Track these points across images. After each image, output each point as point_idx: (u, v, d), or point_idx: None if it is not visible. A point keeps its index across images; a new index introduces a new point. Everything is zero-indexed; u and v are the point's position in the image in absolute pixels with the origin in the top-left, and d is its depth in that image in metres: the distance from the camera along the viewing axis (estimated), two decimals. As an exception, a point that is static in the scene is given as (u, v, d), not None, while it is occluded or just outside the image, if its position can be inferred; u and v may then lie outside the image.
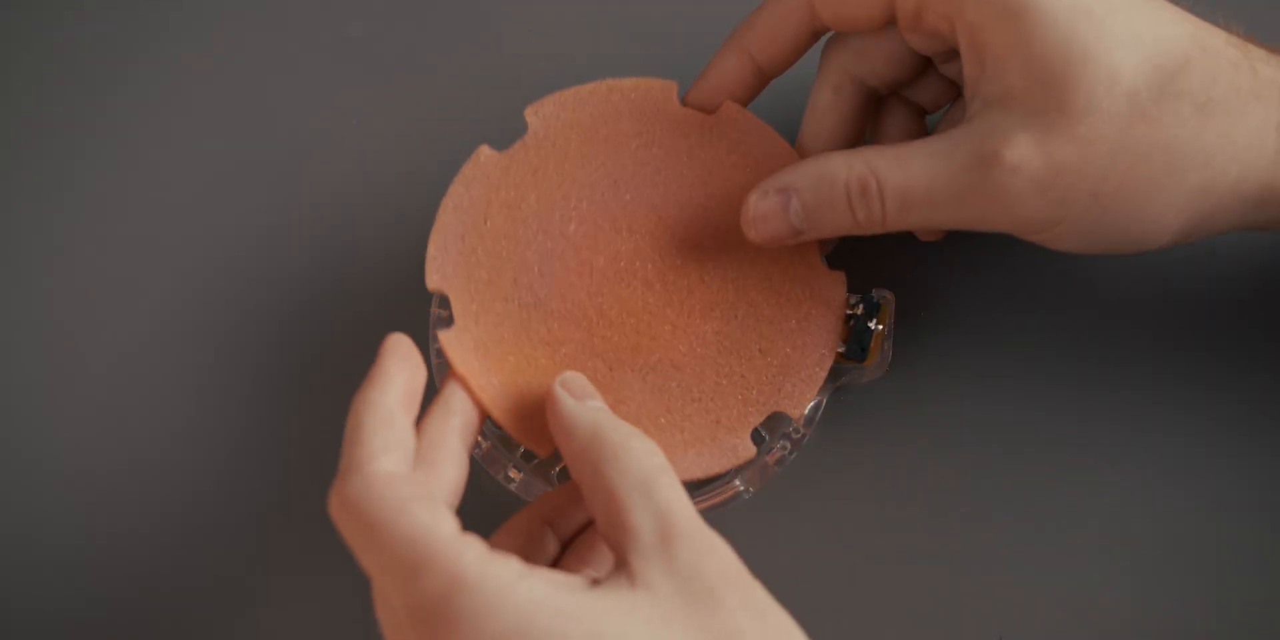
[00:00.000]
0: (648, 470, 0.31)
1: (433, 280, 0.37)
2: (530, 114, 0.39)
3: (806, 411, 0.38)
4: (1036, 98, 0.33)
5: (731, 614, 0.29)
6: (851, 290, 0.39)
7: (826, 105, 0.38)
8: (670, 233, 0.38)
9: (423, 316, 0.41)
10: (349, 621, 0.39)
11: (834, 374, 0.39)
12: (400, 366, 0.33)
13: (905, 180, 0.34)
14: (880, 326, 0.39)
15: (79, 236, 0.43)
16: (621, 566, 0.30)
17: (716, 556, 0.30)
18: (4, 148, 0.44)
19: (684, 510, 0.31)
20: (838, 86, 0.38)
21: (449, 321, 0.37)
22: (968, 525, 0.40)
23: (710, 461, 0.37)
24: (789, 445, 0.38)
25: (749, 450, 0.38)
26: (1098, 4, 0.33)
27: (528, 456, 0.39)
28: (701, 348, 0.38)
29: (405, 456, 0.32)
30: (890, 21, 0.36)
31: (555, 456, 0.37)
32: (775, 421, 0.39)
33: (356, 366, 0.42)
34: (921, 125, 0.40)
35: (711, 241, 0.39)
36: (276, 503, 0.41)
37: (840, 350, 0.39)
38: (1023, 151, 0.33)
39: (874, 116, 0.40)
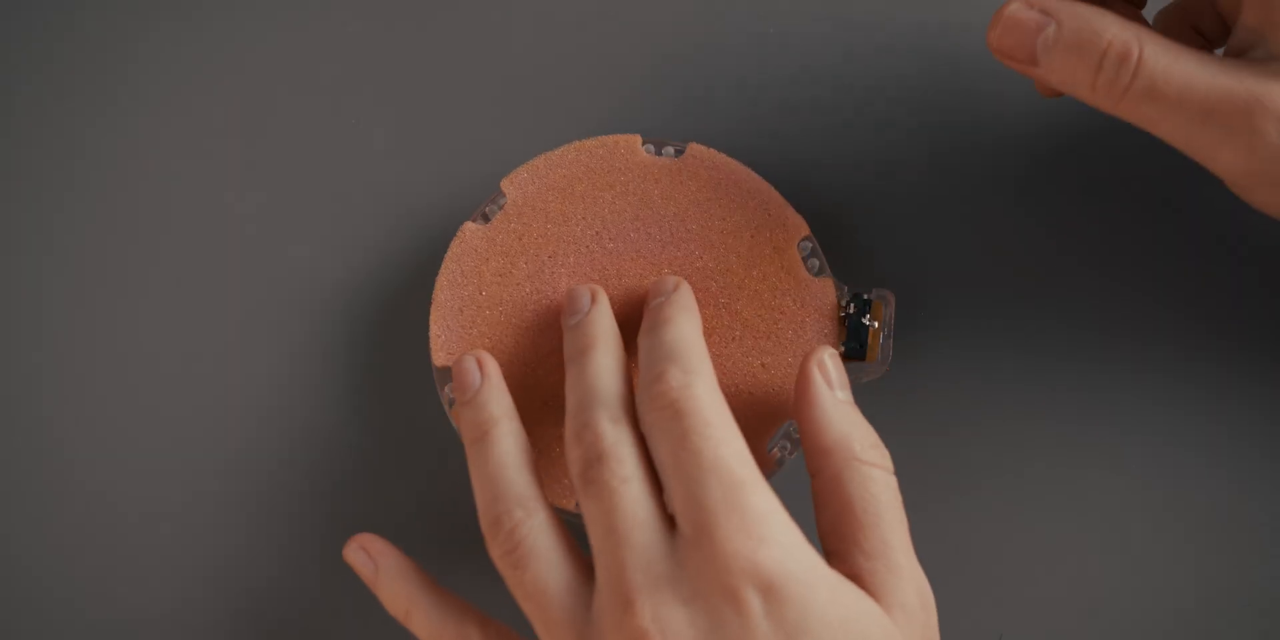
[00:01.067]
0: (885, 497, 0.34)
1: (439, 358, 0.40)
2: (506, 184, 0.41)
3: None
4: None
5: None
6: (853, 291, 0.40)
7: None
8: (658, 272, 0.40)
9: (423, 317, 0.41)
10: (349, 619, 0.40)
11: None
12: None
13: (1168, 68, 0.33)
14: (875, 323, 0.39)
15: (78, 236, 0.43)
16: (859, 571, 0.33)
17: (927, 596, 0.34)
18: (3, 148, 0.44)
19: (905, 545, 0.34)
20: None
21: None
22: (968, 525, 0.40)
23: None
24: (789, 445, 0.39)
25: (767, 463, 0.39)
26: None
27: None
28: None
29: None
30: None
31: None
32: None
33: (356, 364, 0.42)
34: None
35: (698, 273, 0.40)
36: (279, 501, 0.41)
37: (840, 350, 0.39)
38: None
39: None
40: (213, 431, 0.42)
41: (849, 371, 0.40)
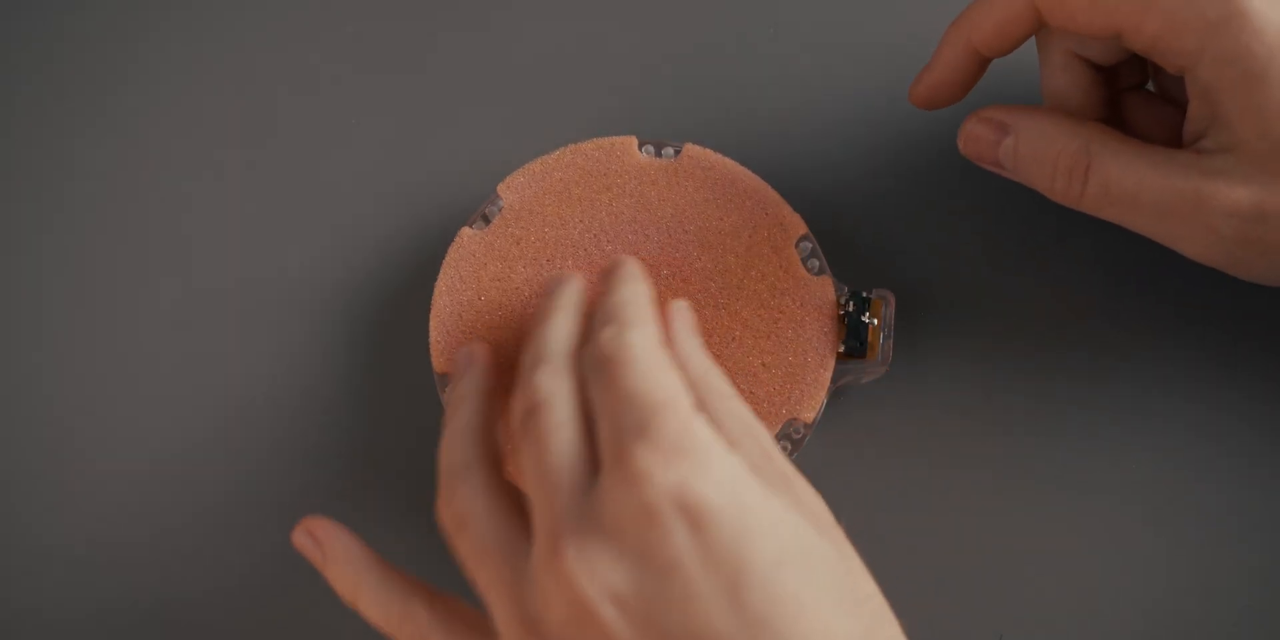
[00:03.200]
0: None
1: (439, 363, 0.40)
2: (503, 189, 0.41)
3: (818, 414, 0.39)
4: (1266, 157, 0.33)
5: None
6: (854, 291, 0.40)
7: (1059, 81, 0.37)
8: (657, 273, 0.40)
9: (423, 318, 0.41)
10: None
11: (836, 374, 0.39)
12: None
13: (1118, 177, 0.35)
14: (874, 320, 0.39)
15: (78, 237, 0.43)
16: None
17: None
18: (3, 148, 0.44)
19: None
20: (1064, 65, 0.37)
21: None
22: (968, 524, 0.40)
23: None
24: (789, 446, 0.39)
25: None
26: None
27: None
28: None
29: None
30: (1113, 38, 0.36)
31: None
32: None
33: (356, 365, 0.42)
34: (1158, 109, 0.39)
35: (697, 274, 0.40)
36: (279, 502, 0.41)
37: (840, 349, 0.39)
38: (1240, 200, 0.33)
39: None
40: (212, 432, 0.42)
41: (847, 372, 0.40)
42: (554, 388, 0.33)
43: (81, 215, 0.44)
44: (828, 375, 0.39)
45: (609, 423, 0.31)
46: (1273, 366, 0.41)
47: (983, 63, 0.38)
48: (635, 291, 0.35)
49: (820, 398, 0.39)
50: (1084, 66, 0.38)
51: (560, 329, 0.35)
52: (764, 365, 0.39)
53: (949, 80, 0.38)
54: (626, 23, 0.45)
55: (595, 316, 0.35)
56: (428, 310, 0.40)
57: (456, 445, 0.34)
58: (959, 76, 0.38)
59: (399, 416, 0.41)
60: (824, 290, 0.40)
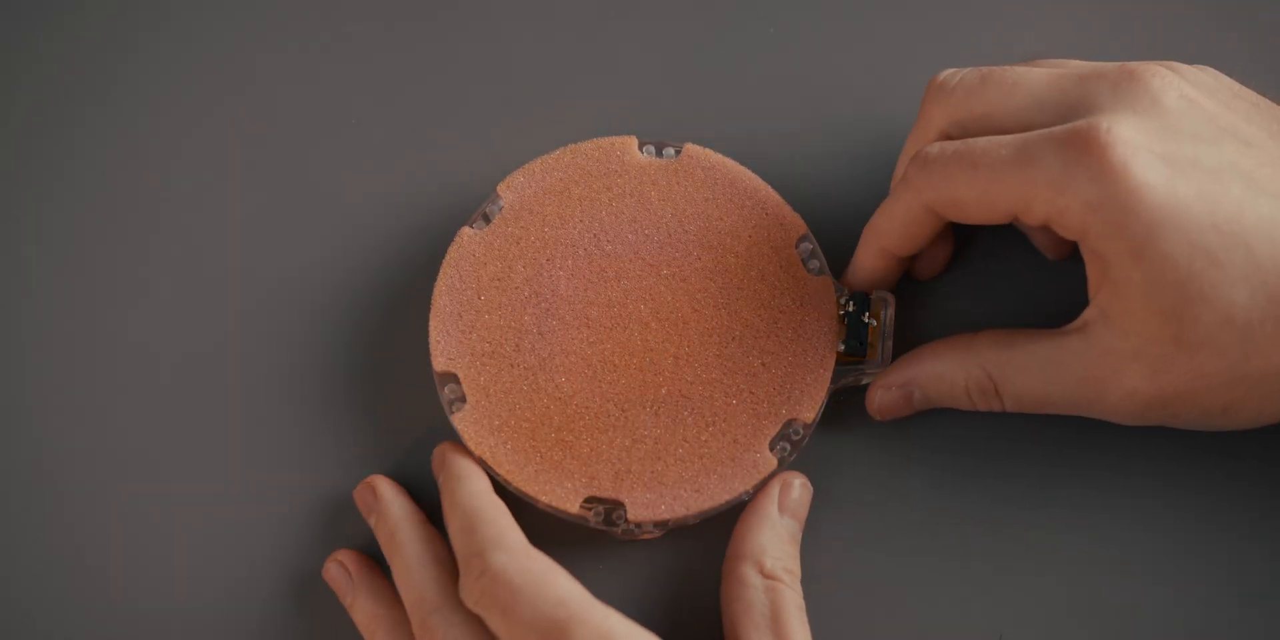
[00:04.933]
0: (786, 607, 0.37)
1: (439, 363, 0.40)
2: (503, 189, 0.41)
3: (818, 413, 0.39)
4: (1153, 329, 0.34)
5: None
6: (855, 291, 0.40)
7: (903, 229, 0.39)
8: (657, 273, 0.40)
9: (423, 318, 0.41)
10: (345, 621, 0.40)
11: (835, 375, 0.39)
12: (471, 464, 0.38)
13: (1022, 388, 0.37)
14: (874, 320, 0.39)
15: (78, 238, 0.43)
16: None
17: None
18: (3, 149, 0.44)
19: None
20: (919, 221, 0.38)
21: (459, 401, 0.39)
22: (968, 525, 0.40)
23: (734, 482, 0.38)
24: (789, 446, 0.39)
25: (770, 463, 0.39)
26: (1217, 240, 0.33)
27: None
28: (706, 373, 0.39)
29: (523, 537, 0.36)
30: (1014, 219, 0.37)
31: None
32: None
33: (356, 365, 0.42)
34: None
35: (697, 274, 0.40)
36: (279, 502, 0.41)
37: (840, 349, 0.39)
38: (1136, 382, 0.35)
39: None
40: (212, 432, 0.42)
41: (847, 373, 0.40)
42: (452, 637, 0.35)
43: (81, 215, 0.44)
44: (828, 375, 0.39)
45: None
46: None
47: (902, 262, 0.40)
48: (471, 493, 0.37)
49: (820, 398, 0.39)
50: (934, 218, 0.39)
51: (415, 560, 0.37)
52: (764, 365, 0.39)
53: (875, 280, 0.40)
54: (627, 23, 0.45)
55: (450, 532, 0.37)
56: (428, 310, 0.40)
57: (415, 581, 0.37)
58: (884, 275, 0.40)
59: (399, 416, 0.41)
60: (824, 290, 0.40)
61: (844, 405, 0.41)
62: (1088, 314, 0.36)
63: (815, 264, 0.40)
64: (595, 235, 0.40)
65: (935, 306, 0.42)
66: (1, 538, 0.41)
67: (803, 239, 0.40)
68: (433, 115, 0.44)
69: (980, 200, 0.36)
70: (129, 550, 0.41)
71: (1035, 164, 0.34)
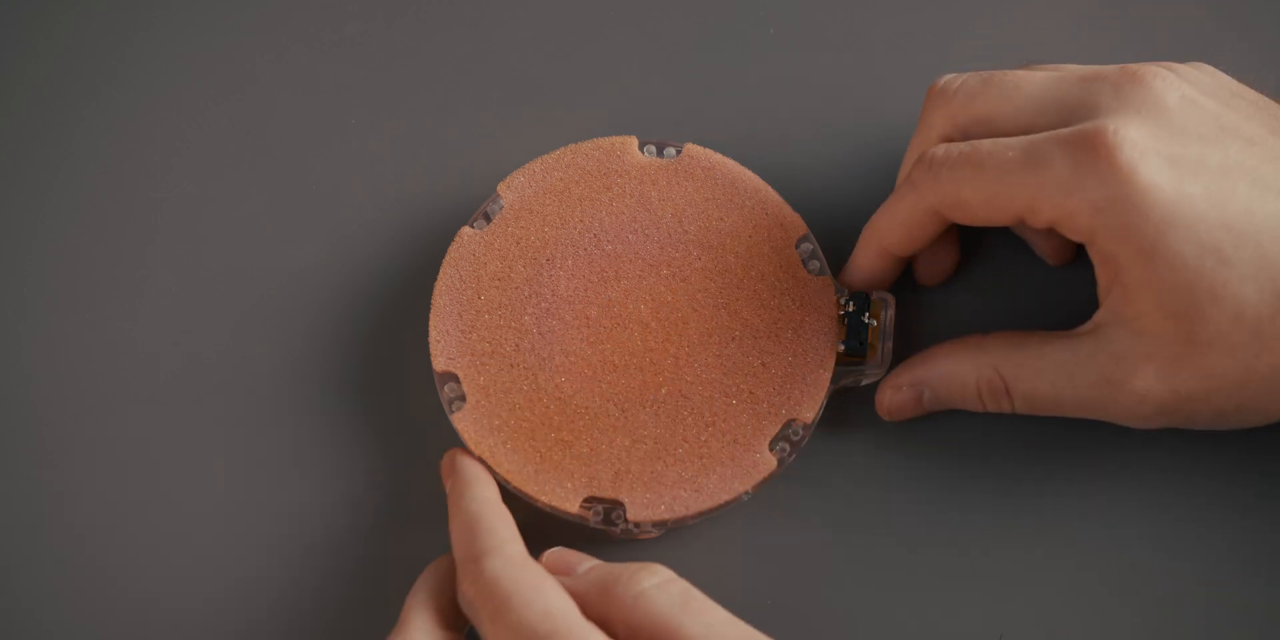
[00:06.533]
0: (677, 601, 0.34)
1: (439, 363, 0.40)
2: (503, 189, 0.41)
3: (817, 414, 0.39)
4: (1165, 329, 0.34)
5: None
6: (855, 291, 0.40)
7: (905, 230, 0.39)
8: (657, 273, 0.40)
9: (423, 318, 0.41)
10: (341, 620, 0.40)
11: (835, 376, 0.39)
12: (480, 470, 0.38)
13: (1033, 389, 0.37)
14: (874, 321, 0.39)
15: (78, 238, 0.43)
16: None
17: None
18: (2, 149, 0.44)
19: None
20: (923, 222, 0.38)
21: (459, 400, 0.39)
22: (968, 525, 0.40)
23: (734, 482, 0.38)
24: (788, 447, 0.39)
25: (769, 463, 0.39)
26: (1227, 239, 0.33)
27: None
28: (706, 373, 0.39)
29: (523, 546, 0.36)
30: (1019, 223, 0.37)
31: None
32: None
33: (356, 365, 0.42)
34: None
35: (697, 273, 0.40)
36: (278, 502, 0.41)
37: (840, 349, 0.39)
38: (1150, 383, 0.35)
39: None
40: (212, 431, 0.42)
41: (847, 373, 0.40)
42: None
43: (81, 215, 0.44)
44: (827, 376, 0.39)
45: None
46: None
47: (901, 262, 0.40)
48: (476, 498, 0.37)
49: (820, 398, 0.39)
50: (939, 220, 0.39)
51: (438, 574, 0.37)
52: (763, 365, 0.39)
53: (873, 279, 0.40)
54: (627, 23, 0.45)
55: (453, 536, 0.37)
56: (428, 309, 0.40)
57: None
58: (882, 275, 0.40)
59: (399, 416, 0.41)
60: (824, 291, 0.40)
61: (844, 405, 0.41)
62: (1099, 316, 0.36)
63: (815, 264, 0.40)
64: (595, 235, 0.40)
65: (935, 307, 0.42)
66: (1, 538, 0.41)
67: (803, 239, 0.40)
68: (433, 115, 0.44)
69: (987, 202, 0.36)
70: (128, 550, 0.41)
71: (1043, 166, 0.35)
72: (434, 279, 0.40)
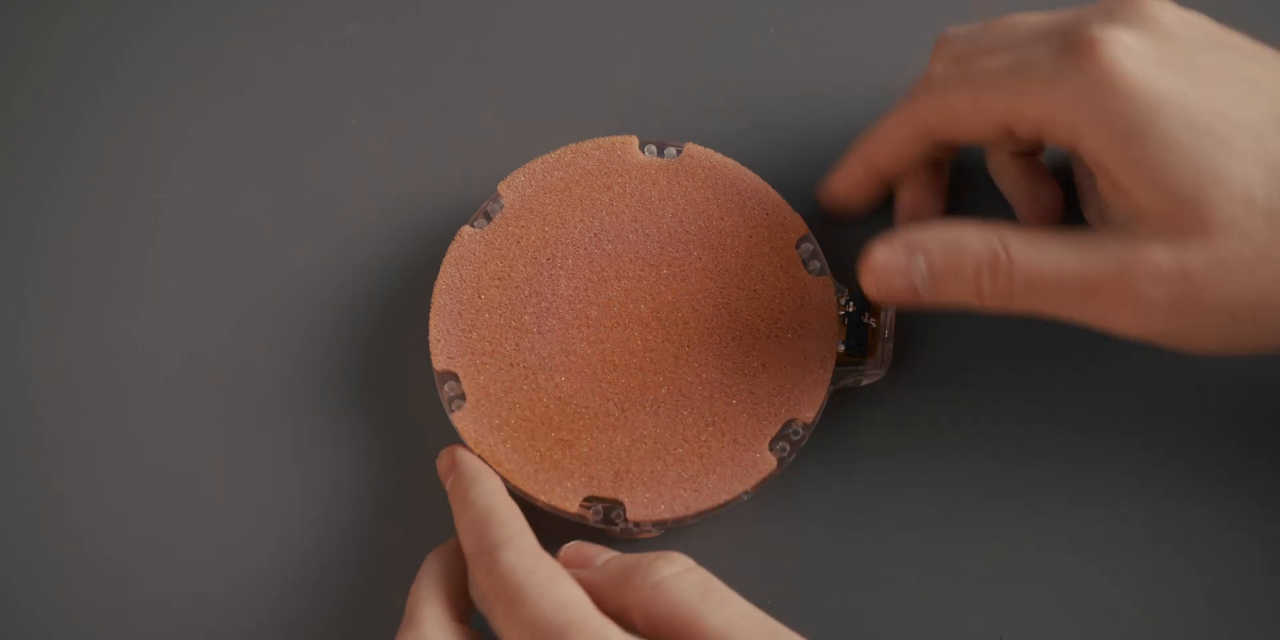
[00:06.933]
0: (698, 589, 0.34)
1: (439, 362, 0.40)
2: (504, 188, 0.41)
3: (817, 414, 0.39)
4: (1172, 217, 0.33)
5: None
6: (856, 291, 0.40)
7: (891, 144, 0.39)
8: (657, 272, 0.40)
9: (423, 317, 0.41)
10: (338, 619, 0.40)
11: (835, 376, 0.39)
12: (482, 465, 0.38)
13: (1038, 263, 0.34)
14: (874, 322, 0.39)
15: (78, 238, 0.43)
16: None
17: None
18: (2, 149, 0.44)
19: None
20: (911, 137, 0.38)
21: (459, 399, 0.39)
22: (967, 525, 0.40)
23: (734, 482, 0.38)
24: (788, 447, 0.39)
25: (769, 463, 0.39)
26: (1220, 123, 0.32)
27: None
28: (706, 374, 0.39)
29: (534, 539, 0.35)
30: (1008, 135, 0.36)
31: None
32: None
33: (356, 365, 0.42)
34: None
35: (698, 273, 0.40)
36: (279, 502, 0.41)
37: (840, 349, 0.39)
38: (1160, 262, 0.33)
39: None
40: (212, 432, 0.42)
41: (849, 372, 0.40)
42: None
43: (81, 215, 0.44)
44: (827, 376, 0.39)
45: None
46: (1275, 367, 0.41)
47: (882, 180, 0.40)
48: (484, 492, 0.37)
49: (820, 398, 0.39)
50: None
51: (447, 564, 0.37)
52: (763, 365, 0.39)
53: (849, 194, 0.40)
54: (627, 22, 0.45)
55: (461, 531, 0.36)
56: (428, 309, 0.40)
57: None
58: (858, 191, 0.40)
59: (399, 416, 0.41)
60: (825, 291, 0.40)
61: (844, 405, 0.41)
62: (1109, 214, 0.35)
63: (816, 264, 0.40)
64: (596, 235, 0.40)
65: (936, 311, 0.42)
66: (1, 537, 0.41)
67: (803, 239, 0.40)
68: (433, 115, 0.44)
69: (974, 107, 0.35)
70: (128, 550, 0.41)
71: (1029, 68, 0.34)
72: (434, 279, 0.40)
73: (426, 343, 0.41)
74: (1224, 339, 0.34)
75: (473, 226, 0.41)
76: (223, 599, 0.40)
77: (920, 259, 0.36)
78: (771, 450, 0.39)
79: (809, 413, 0.39)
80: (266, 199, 0.44)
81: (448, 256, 0.40)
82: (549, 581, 0.33)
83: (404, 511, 0.41)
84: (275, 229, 0.43)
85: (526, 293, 0.40)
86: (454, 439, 0.40)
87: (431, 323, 0.40)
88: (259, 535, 0.41)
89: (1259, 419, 0.40)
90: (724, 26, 0.45)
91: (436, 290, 0.40)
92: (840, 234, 0.42)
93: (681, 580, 0.33)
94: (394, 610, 0.37)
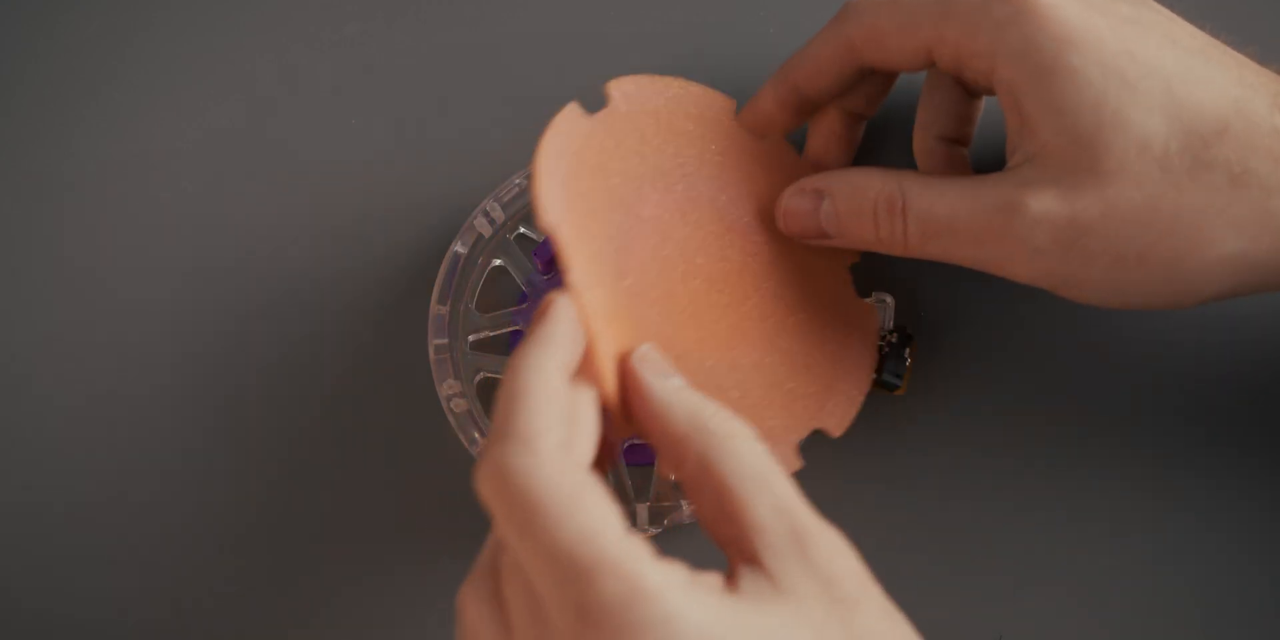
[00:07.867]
0: (762, 462, 0.30)
1: (551, 215, 0.32)
2: (613, 88, 0.37)
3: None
4: (1068, 157, 0.33)
5: (871, 621, 0.29)
6: (900, 326, 0.40)
7: (815, 64, 0.38)
8: (729, 235, 0.38)
9: (423, 318, 0.41)
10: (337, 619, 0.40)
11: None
12: (566, 332, 0.30)
13: (930, 207, 0.35)
14: (910, 360, 0.39)
15: (78, 238, 0.43)
16: (753, 566, 0.29)
17: (847, 558, 0.30)
18: (1, 149, 0.44)
19: (805, 506, 0.29)
20: (835, 57, 0.38)
21: (459, 398, 0.38)
22: (967, 525, 0.40)
23: None
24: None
25: (796, 463, 0.37)
26: (1131, 66, 0.32)
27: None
28: (755, 355, 0.38)
29: (566, 434, 0.29)
30: (930, 65, 0.36)
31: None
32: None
33: (356, 364, 0.42)
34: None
35: (762, 257, 0.39)
36: (279, 502, 0.41)
37: (879, 378, 0.39)
38: (1048, 205, 0.33)
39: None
40: (212, 432, 0.42)
41: (873, 402, 0.39)
42: (464, 593, 0.30)
43: (79, 216, 0.44)
44: (861, 399, 0.39)
45: (548, 605, 0.27)
46: (1274, 367, 0.41)
47: (805, 103, 0.39)
48: (532, 367, 0.30)
49: (851, 418, 0.38)
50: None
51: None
52: (806, 367, 0.38)
53: (769, 115, 0.39)
54: (627, 23, 0.45)
55: (494, 406, 0.30)
56: (428, 309, 0.40)
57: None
58: (778, 113, 0.39)
59: (399, 416, 0.41)
60: (870, 316, 0.40)
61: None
62: (1011, 160, 0.35)
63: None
64: (685, 173, 0.38)
65: (936, 309, 0.42)
66: (1, 537, 0.41)
67: (856, 265, 0.40)
68: (433, 115, 0.44)
69: (900, 28, 0.35)
70: (128, 549, 0.41)
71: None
72: (434, 279, 0.40)
73: (425, 345, 0.40)
74: (1111, 288, 0.34)
75: (579, 108, 0.36)
76: (222, 599, 0.40)
77: (826, 201, 0.37)
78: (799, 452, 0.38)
79: (838, 428, 0.38)
80: (266, 199, 0.44)
81: (553, 125, 0.34)
82: (568, 501, 0.27)
83: (404, 512, 0.41)
84: (275, 229, 0.43)
85: (614, 201, 0.36)
86: (454, 439, 0.40)
87: (538, 177, 0.33)
88: (259, 535, 0.41)
89: (1259, 420, 0.40)
90: (724, 26, 0.45)
91: (543, 152, 0.33)
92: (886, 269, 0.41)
93: (754, 451, 0.30)
94: (393, 610, 0.37)
